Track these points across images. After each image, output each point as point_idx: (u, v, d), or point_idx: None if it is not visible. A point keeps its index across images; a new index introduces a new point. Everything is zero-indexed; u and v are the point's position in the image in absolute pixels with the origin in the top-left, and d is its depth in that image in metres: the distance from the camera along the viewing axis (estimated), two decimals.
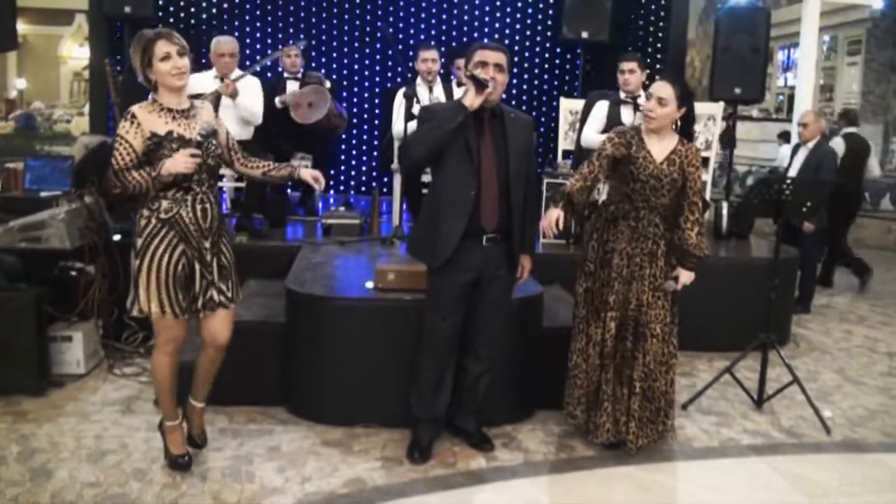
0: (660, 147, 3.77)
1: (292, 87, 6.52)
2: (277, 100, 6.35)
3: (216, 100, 5.30)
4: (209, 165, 3.35)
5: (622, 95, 5.61)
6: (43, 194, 5.30)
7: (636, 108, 3.89)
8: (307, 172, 3.63)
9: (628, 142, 3.74)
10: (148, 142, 3.22)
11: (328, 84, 6.54)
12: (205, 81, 5.60)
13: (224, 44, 5.67)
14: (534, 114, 8.51)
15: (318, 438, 3.99)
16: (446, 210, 3.58)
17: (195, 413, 3.73)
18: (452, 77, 7.24)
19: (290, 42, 6.43)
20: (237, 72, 5.72)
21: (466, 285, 3.68)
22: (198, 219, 3.32)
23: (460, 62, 7.21)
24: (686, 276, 3.81)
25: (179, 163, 3.19)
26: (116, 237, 5.12)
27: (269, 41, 7.92)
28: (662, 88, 3.74)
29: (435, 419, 3.88)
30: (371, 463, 3.76)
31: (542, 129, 8.49)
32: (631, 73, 5.58)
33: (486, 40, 8.31)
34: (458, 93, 7.18)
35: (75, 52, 17.49)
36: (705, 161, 6.65)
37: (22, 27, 12.63)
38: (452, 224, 3.57)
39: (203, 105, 3.48)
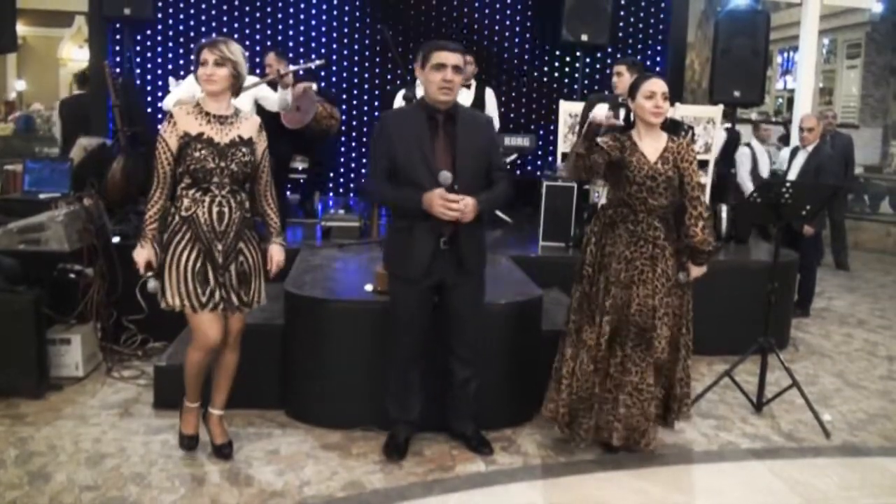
0: (652, 147, 3.75)
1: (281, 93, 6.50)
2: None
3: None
4: (231, 171, 3.45)
5: (620, 98, 5.62)
6: (42, 196, 5.30)
7: (627, 110, 3.89)
8: (276, 251, 3.72)
9: (622, 145, 3.73)
10: (180, 140, 3.42)
11: (314, 86, 6.50)
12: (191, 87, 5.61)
13: None
14: (533, 116, 8.53)
15: (317, 442, 3.99)
16: (414, 221, 3.58)
17: (214, 422, 3.76)
18: None
19: (313, 58, 6.40)
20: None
21: (428, 289, 3.70)
22: (213, 220, 3.43)
23: (467, 58, 7.22)
24: (696, 271, 3.83)
25: (138, 257, 3.48)
26: (115, 239, 5.12)
27: (269, 43, 7.90)
28: (663, 84, 3.71)
29: (409, 421, 3.90)
30: (370, 466, 3.75)
31: (541, 132, 8.48)
32: (618, 76, 5.61)
33: (475, 38, 8.32)
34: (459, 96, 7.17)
35: (75, 54, 17.49)
36: (705, 164, 6.65)
37: (21, 29, 12.63)
38: (423, 233, 3.59)
39: (249, 117, 3.62)
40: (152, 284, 3.46)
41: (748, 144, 7.66)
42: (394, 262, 3.77)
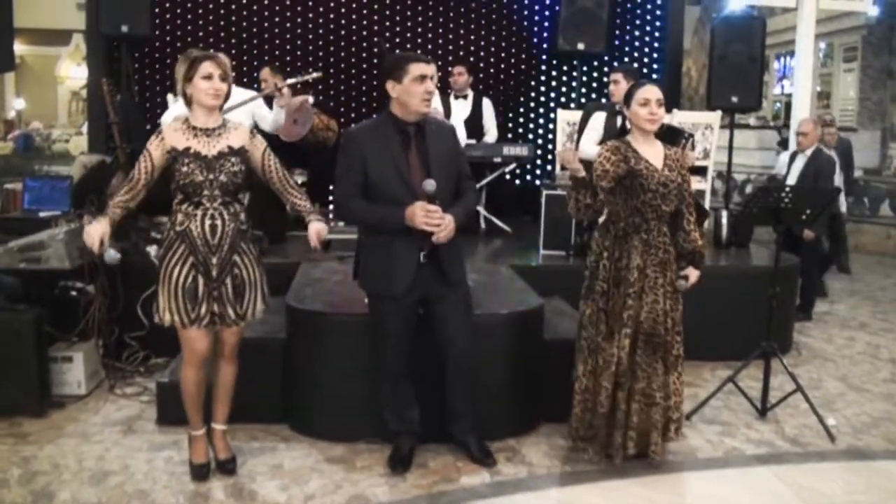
0: (653, 154, 3.75)
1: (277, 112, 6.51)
2: None
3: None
4: (221, 182, 3.44)
5: (617, 106, 5.63)
6: (42, 214, 5.31)
7: (623, 117, 3.90)
8: (313, 227, 3.61)
9: (624, 156, 3.71)
10: (167, 155, 3.42)
11: (311, 99, 6.52)
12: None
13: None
14: (531, 125, 8.55)
15: (321, 455, 3.98)
16: (394, 236, 3.56)
17: (217, 437, 3.75)
18: (449, 90, 7.27)
19: (310, 71, 6.40)
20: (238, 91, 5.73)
21: (412, 304, 3.69)
22: (206, 234, 3.43)
23: (459, 69, 7.25)
24: (695, 275, 3.85)
25: (92, 230, 3.31)
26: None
27: (266, 58, 7.93)
28: (657, 91, 3.72)
29: (412, 431, 3.89)
30: (374, 479, 3.74)
31: (539, 141, 8.50)
32: (615, 84, 5.62)
33: (471, 49, 8.35)
34: (454, 105, 7.21)
35: (73, 72, 17.50)
36: (704, 170, 6.66)
37: (19, 48, 12.61)
38: (403, 249, 3.57)
39: (238, 127, 3.59)
40: (110, 255, 3.38)
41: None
42: (374, 281, 3.72)
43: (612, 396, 3.76)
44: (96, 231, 3.33)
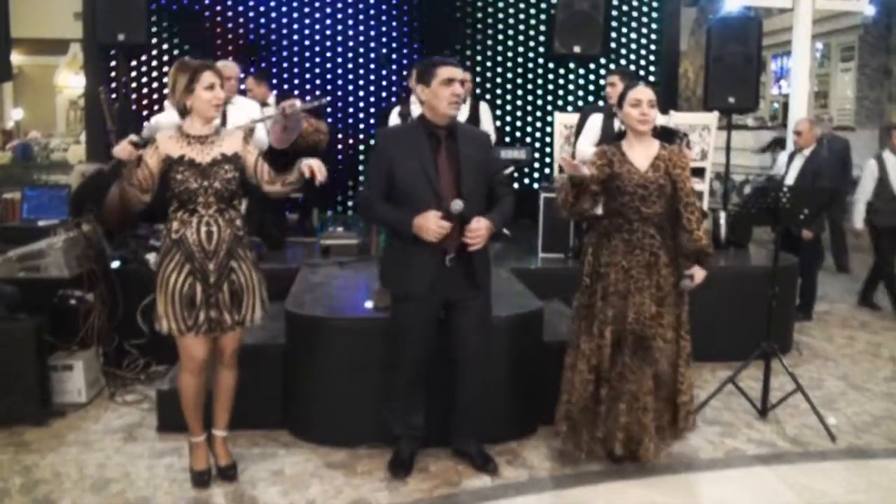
0: (643, 155, 3.76)
1: (270, 113, 6.50)
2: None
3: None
4: (216, 189, 3.45)
5: (614, 109, 5.64)
6: (41, 223, 5.30)
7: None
8: (306, 164, 3.56)
9: (609, 160, 3.74)
10: (162, 163, 3.45)
11: (299, 103, 6.54)
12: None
13: (226, 68, 5.67)
14: (528, 129, 8.56)
15: (322, 460, 3.98)
16: (416, 238, 3.56)
17: (218, 443, 3.75)
18: None
19: (329, 95, 6.40)
20: (238, 98, 5.75)
21: (434, 306, 3.69)
22: (202, 240, 3.44)
23: (466, 75, 7.25)
24: (700, 275, 3.81)
25: (119, 149, 3.34)
26: (115, 264, 5.12)
27: (263, 65, 7.94)
28: (649, 92, 3.74)
29: (414, 436, 3.90)
30: (375, 484, 3.74)
31: (537, 144, 8.50)
32: (612, 87, 5.64)
33: (468, 53, 8.36)
34: None
35: (71, 81, 17.53)
36: (701, 171, 6.66)
37: (17, 58, 12.67)
38: (426, 251, 3.57)
39: (232, 133, 3.61)
40: (147, 129, 3.36)
41: (878, 157, 7.24)
42: (396, 281, 3.75)
43: (595, 393, 3.78)
44: (121, 145, 3.34)
